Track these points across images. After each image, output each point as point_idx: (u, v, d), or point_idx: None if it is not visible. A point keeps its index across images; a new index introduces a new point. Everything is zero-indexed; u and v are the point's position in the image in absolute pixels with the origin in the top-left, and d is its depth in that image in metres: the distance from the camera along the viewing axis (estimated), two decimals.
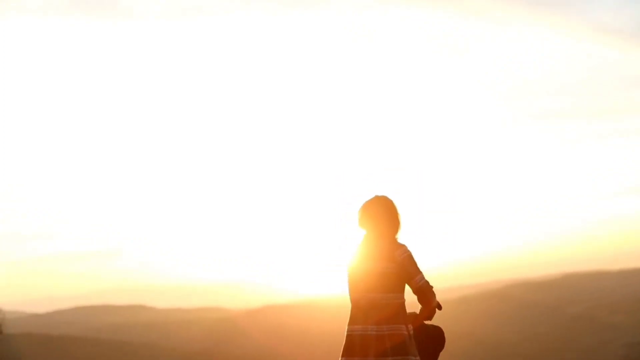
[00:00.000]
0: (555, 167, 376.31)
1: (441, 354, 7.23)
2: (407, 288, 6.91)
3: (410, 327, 6.85)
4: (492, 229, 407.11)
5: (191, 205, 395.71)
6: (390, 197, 6.92)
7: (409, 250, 6.81)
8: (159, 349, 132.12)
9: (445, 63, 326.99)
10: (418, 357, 6.80)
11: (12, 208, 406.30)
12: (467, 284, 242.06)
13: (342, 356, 6.82)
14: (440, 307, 6.94)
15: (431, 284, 6.85)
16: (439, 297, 6.98)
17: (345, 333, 6.85)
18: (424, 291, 6.80)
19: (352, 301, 6.87)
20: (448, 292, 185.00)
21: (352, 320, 6.84)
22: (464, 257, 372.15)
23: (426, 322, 7.06)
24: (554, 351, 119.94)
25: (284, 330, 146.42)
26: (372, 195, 6.90)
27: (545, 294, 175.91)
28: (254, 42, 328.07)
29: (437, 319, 7.14)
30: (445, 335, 7.16)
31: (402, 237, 6.91)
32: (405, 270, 6.77)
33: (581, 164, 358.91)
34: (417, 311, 6.95)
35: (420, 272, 6.80)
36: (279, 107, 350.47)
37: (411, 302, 6.99)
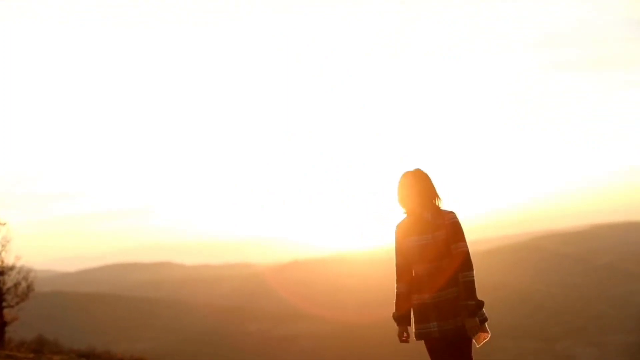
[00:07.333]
0: (584, 118, 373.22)
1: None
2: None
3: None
4: (520, 181, 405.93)
5: (218, 162, 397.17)
6: (423, 169, 6.79)
7: (457, 217, 6.70)
8: (188, 305, 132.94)
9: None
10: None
11: (43, 169, 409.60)
12: (497, 235, 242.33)
13: (437, 320, 6.61)
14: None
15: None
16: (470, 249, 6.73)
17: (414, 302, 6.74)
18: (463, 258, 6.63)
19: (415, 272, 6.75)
20: (478, 244, 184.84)
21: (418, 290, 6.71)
22: (493, 210, 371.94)
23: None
24: (584, 301, 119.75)
25: (312, 285, 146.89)
26: (405, 171, 6.77)
27: (574, 246, 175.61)
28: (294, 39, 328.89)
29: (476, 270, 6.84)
30: (478, 286, 6.90)
31: (445, 204, 6.84)
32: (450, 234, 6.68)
33: (609, 114, 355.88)
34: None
35: (464, 240, 6.64)
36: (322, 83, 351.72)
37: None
